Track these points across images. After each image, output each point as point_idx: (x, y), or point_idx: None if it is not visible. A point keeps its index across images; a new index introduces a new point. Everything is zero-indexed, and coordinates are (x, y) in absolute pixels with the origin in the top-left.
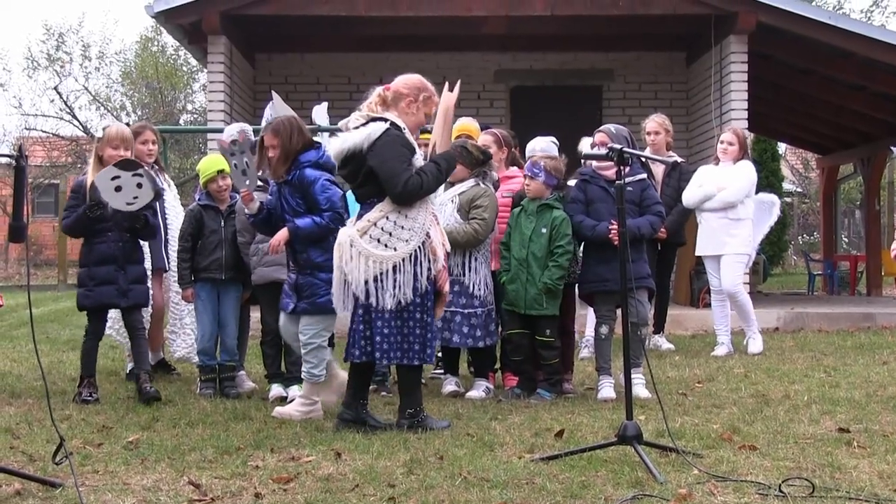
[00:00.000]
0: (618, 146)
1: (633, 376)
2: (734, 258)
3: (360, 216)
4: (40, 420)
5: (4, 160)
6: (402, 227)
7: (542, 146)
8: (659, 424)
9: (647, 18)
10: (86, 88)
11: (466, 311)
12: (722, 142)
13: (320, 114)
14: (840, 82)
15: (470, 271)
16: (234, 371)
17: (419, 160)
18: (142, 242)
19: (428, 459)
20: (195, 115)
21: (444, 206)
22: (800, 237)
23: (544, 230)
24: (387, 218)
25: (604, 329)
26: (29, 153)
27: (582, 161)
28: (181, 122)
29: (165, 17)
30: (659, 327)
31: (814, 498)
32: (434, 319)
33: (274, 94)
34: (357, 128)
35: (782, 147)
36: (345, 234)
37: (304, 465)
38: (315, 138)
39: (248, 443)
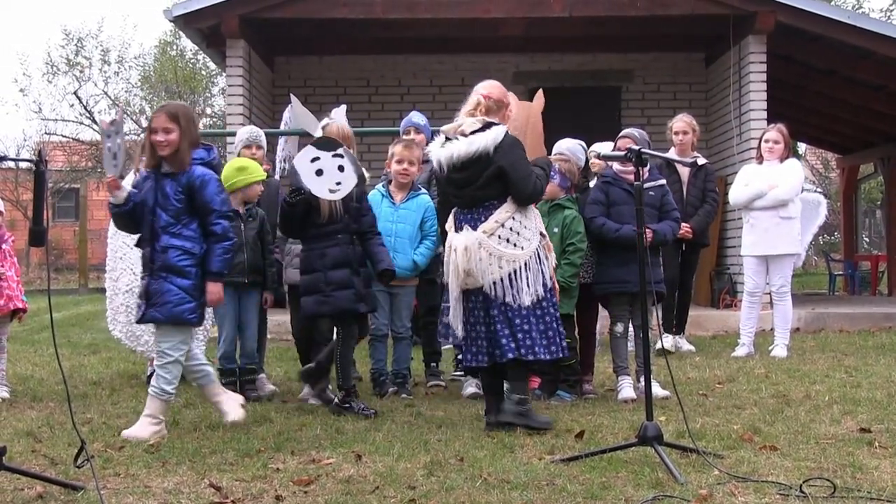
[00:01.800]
0: (636, 147)
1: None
2: (787, 258)
3: (471, 220)
4: (62, 423)
5: (25, 165)
6: (525, 227)
7: (568, 146)
8: (679, 425)
9: (665, 19)
10: (105, 93)
11: None
12: (767, 140)
13: (339, 116)
14: (859, 82)
15: None
16: (255, 374)
17: None
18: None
19: (448, 461)
20: (214, 119)
21: None
22: (820, 237)
23: (556, 230)
24: (513, 218)
25: (619, 328)
26: (49, 158)
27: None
28: (200, 125)
29: (184, 22)
30: (680, 328)
31: (835, 498)
32: None
33: (293, 97)
34: (474, 132)
35: (802, 147)
36: (471, 238)
37: (324, 468)
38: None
39: (268, 445)
